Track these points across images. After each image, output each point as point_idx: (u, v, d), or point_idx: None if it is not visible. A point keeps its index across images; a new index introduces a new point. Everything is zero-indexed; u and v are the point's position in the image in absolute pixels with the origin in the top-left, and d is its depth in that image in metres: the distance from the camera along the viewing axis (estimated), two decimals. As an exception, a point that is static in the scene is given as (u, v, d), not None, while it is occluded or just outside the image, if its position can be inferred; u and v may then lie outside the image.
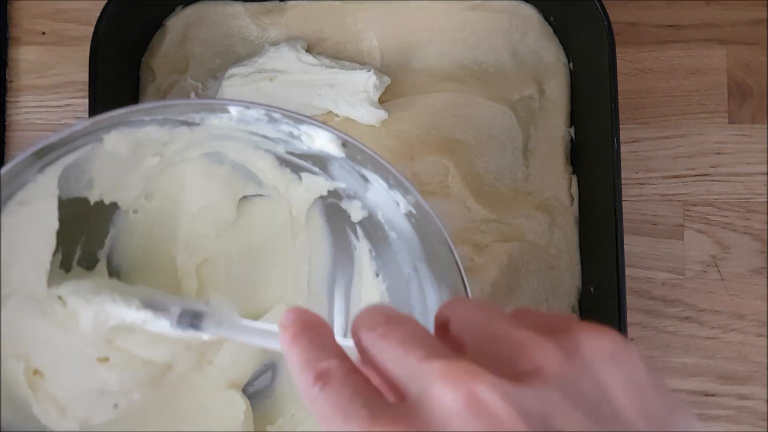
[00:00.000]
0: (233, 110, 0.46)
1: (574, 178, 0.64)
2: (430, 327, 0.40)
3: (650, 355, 0.65)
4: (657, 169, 0.67)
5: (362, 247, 0.57)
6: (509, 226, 0.63)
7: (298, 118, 0.46)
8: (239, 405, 0.56)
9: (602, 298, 0.59)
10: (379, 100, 0.63)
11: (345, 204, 0.55)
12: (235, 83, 0.62)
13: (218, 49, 0.65)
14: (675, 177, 0.67)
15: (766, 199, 0.66)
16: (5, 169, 0.42)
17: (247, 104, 0.45)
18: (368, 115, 0.62)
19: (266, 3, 0.66)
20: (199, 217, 0.56)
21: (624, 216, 0.57)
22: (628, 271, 0.57)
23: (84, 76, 0.60)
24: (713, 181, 0.67)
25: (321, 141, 0.47)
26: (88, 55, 0.59)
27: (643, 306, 0.66)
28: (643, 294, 0.66)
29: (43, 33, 0.68)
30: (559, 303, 0.63)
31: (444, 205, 0.62)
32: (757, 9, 0.68)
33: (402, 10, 0.65)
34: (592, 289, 0.62)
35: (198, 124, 0.48)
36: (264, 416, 0.57)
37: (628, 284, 0.58)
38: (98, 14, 0.59)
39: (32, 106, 0.67)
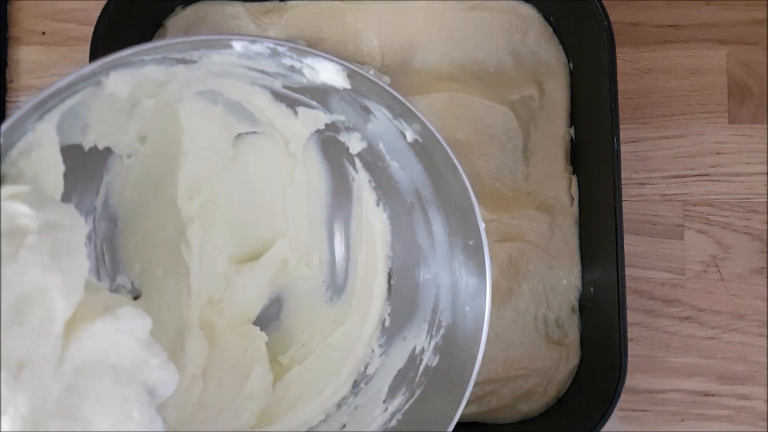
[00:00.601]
0: (237, 46, 0.45)
1: (574, 178, 0.64)
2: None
3: (650, 355, 0.65)
4: (657, 169, 0.67)
5: (361, 179, 0.57)
6: (509, 226, 0.63)
7: (302, 50, 0.46)
8: (258, 337, 0.57)
9: (602, 298, 0.59)
10: (379, 100, 0.63)
11: (343, 137, 0.55)
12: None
13: (218, 49, 0.65)
14: (675, 177, 0.67)
15: (766, 199, 0.66)
16: (8, 122, 0.41)
17: (253, 39, 0.45)
18: (368, 115, 0.62)
19: (266, 3, 0.66)
20: (198, 158, 0.56)
21: (624, 216, 0.57)
22: (628, 271, 0.57)
23: (84, 76, 0.59)
24: (713, 181, 0.67)
25: (326, 73, 0.47)
26: (88, 55, 0.58)
27: (643, 306, 0.66)
28: (643, 294, 0.66)
29: (43, 33, 0.68)
30: (559, 303, 0.63)
31: (444, 205, 0.62)
32: (757, 9, 0.68)
33: (402, 10, 0.65)
34: (592, 289, 0.62)
35: (195, 62, 0.48)
36: (274, 348, 0.58)
37: (628, 284, 0.58)
38: (98, 14, 0.59)
39: (32, 106, 0.67)
